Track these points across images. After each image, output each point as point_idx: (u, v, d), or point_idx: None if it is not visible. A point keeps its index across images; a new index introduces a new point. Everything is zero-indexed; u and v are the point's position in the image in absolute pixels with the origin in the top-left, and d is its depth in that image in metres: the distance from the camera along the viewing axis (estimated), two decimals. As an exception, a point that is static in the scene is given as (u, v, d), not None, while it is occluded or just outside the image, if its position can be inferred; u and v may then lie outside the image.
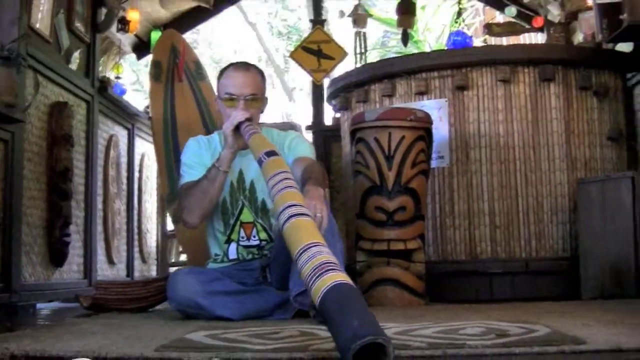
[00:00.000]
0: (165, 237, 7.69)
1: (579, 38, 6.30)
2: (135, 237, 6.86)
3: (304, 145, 3.93)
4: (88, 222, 5.55)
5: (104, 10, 6.15)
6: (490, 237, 4.89)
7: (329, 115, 8.03)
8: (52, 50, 5.06)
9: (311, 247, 2.23)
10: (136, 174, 7.00)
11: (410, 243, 4.31)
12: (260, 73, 3.98)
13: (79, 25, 5.55)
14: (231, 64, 4.03)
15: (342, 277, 2.08)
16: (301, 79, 19.39)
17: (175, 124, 6.15)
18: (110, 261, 6.09)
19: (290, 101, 20.15)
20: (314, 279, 2.09)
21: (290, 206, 2.54)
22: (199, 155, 3.91)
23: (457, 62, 5.09)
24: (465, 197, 4.95)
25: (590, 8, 5.61)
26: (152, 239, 7.36)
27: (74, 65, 5.43)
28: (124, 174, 6.65)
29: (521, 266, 4.81)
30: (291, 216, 2.48)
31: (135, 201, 6.91)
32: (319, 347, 2.19)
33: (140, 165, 7.13)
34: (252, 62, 4.19)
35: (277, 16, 21.01)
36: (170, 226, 7.39)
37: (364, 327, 1.84)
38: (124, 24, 6.67)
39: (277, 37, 21.07)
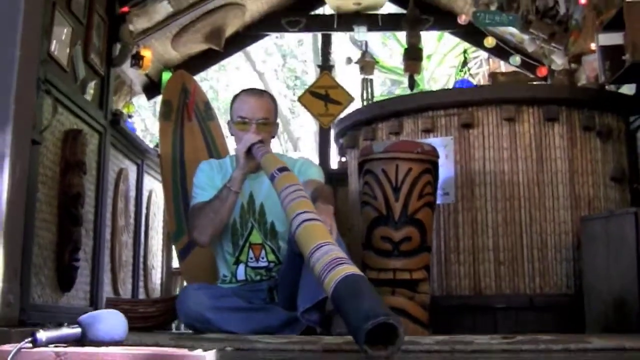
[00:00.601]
0: (170, 275, 7.75)
1: (582, 82, 6.40)
2: (141, 272, 6.91)
3: (314, 168, 4.05)
4: (96, 251, 5.63)
5: (118, 46, 6.29)
6: (495, 272, 4.92)
7: (334, 160, 8.14)
8: (69, 79, 5.18)
9: (323, 245, 2.32)
10: (144, 210, 7.08)
11: (415, 273, 4.35)
12: (273, 99, 4.11)
13: (94, 57, 5.69)
14: (244, 89, 4.17)
15: (353, 269, 2.15)
16: (307, 128, 19.55)
17: (184, 163, 6.25)
18: (116, 293, 6.15)
19: (295, 151, 20.29)
20: (326, 272, 2.17)
21: (302, 212, 2.63)
22: (210, 178, 4.02)
23: (463, 101, 5.16)
24: (470, 233, 4.99)
25: (593, 52, 5.70)
26: (157, 276, 7.42)
27: (88, 96, 5.56)
28: (132, 208, 6.73)
29: (525, 302, 4.83)
30: (304, 221, 2.57)
31: (142, 236, 6.98)
32: (329, 342, 2.26)
33: (148, 202, 7.21)
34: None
35: (285, 67, 21.25)
36: (175, 264, 7.44)
37: (376, 310, 1.91)
38: (137, 59, 6.80)
39: (284, 86, 21.29)
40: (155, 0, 6.85)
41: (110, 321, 1.94)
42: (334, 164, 8.24)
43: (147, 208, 7.20)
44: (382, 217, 4.41)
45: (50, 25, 4.78)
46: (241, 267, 3.96)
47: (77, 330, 1.90)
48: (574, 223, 4.93)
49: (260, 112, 3.95)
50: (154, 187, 7.36)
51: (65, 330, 1.88)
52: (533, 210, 4.96)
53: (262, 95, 4.09)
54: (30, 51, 2.39)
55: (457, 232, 5.02)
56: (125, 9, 6.39)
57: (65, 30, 5.06)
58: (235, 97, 4.11)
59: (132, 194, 6.78)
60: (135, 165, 6.92)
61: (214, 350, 1.75)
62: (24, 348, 1.74)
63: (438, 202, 4.84)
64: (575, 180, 5.03)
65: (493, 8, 7.24)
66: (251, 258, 3.95)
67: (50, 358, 1.69)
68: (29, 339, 1.78)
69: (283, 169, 3.21)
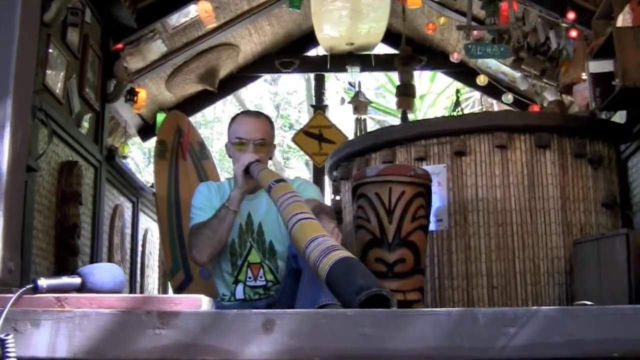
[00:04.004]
0: (166, 313, 7.73)
1: (574, 111, 6.47)
2: (137, 309, 6.90)
3: (312, 188, 4.12)
4: (93, 283, 5.64)
5: (113, 82, 6.37)
6: (488, 297, 4.93)
7: (328, 199, 8.16)
8: (64, 111, 5.24)
9: (318, 237, 2.36)
10: (139, 248, 7.10)
11: (409, 294, 4.35)
12: (270, 121, 4.17)
13: (89, 92, 5.76)
14: (242, 112, 4.25)
15: (347, 254, 2.19)
16: (300, 175, 19.64)
17: (179, 201, 6.28)
18: (112, 327, 6.13)
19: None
20: (321, 257, 2.21)
21: (298, 213, 2.68)
22: (209, 199, 4.05)
23: (455, 129, 5.20)
24: (464, 259, 5.01)
25: (584, 81, 5.77)
26: (153, 314, 7.40)
27: (83, 130, 5.61)
28: (127, 245, 6.75)
29: (518, 326, 4.83)
30: (299, 220, 2.62)
31: (138, 273, 6.99)
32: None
33: (144, 240, 7.23)
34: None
35: (279, 116, 21.38)
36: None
37: (368, 283, 1.94)
38: (132, 95, 6.86)
39: (277, 135, 21.39)
40: (149, 39, 6.94)
41: (109, 272, 1.99)
42: (327, 202, 8.26)
43: (143, 246, 7.22)
44: (376, 240, 4.42)
45: (45, 57, 4.85)
46: (240, 286, 3.98)
47: (76, 279, 1.95)
48: (566, 248, 4.95)
49: (257, 133, 4.00)
50: (150, 226, 7.39)
51: (66, 279, 1.93)
52: (525, 236, 4.98)
53: (259, 116, 4.15)
54: (25, 78, 2.43)
55: (451, 258, 5.04)
56: (119, 45, 6.49)
57: (60, 63, 5.12)
58: (233, 119, 4.17)
59: (128, 230, 6.81)
60: (131, 202, 6.95)
61: (209, 297, 1.78)
62: (26, 294, 1.78)
63: (432, 228, 4.86)
64: (567, 207, 5.05)
65: (485, 44, 7.31)
66: (249, 277, 3.97)
67: (51, 303, 1.74)
68: (30, 285, 1.82)
69: (279, 180, 3.27)
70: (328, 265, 2.14)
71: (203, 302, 1.67)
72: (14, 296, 1.75)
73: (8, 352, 1.64)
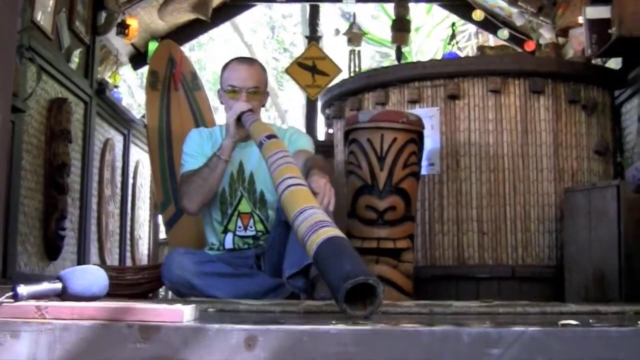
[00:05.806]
0: (157, 245, 7.76)
1: (569, 55, 6.41)
2: (128, 242, 6.93)
3: (304, 138, 4.08)
4: (83, 220, 5.65)
5: (104, 14, 6.27)
6: (478, 243, 4.94)
7: (321, 132, 8.14)
8: (54, 47, 5.17)
9: (307, 209, 2.34)
10: (130, 180, 7.09)
11: (399, 242, 4.36)
12: (263, 68, 4.12)
13: (79, 25, 5.67)
14: (235, 58, 4.17)
15: (336, 232, 2.18)
16: (294, 101, 19.56)
17: (170, 133, 6.22)
18: (103, 262, 6.17)
19: (283, 123, 20.29)
20: (309, 234, 2.19)
21: (288, 178, 2.66)
22: (200, 145, 4.02)
23: (449, 72, 5.16)
24: (455, 204, 5.00)
25: (581, 25, 5.70)
26: (144, 246, 7.43)
27: (73, 65, 5.54)
28: (118, 178, 6.74)
29: (507, 272, 4.85)
30: (289, 186, 2.60)
31: (128, 207, 7.00)
32: (310, 304, 2.28)
33: (135, 172, 7.21)
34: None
35: (273, 39, 21.22)
36: (163, 235, 7.46)
37: (355, 270, 1.93)
38: (123, 28, 6.77)
39: (272, 58, 21.27)
40: (141, -33, 6.83)
41: (90, 276, 1.97)
42: (321, 135, 8.24)
43: (134, 178, 7.21)
44: (367, 186, 4.41)
45: (34, -9, 4.76)
46: (229, 235, 3.97)
47: (57, 285, 1.93)
48: (557, 195, 4.95)
49: (250, 81, 3.95)
50: (141, 158, 7.37)
51: (46, 285, 1.91)
52: (517, 182, 4.97)
53: (253, 64, 4.10)
54: (10, 17, 2.36)
55: (442, 203, 5.03)
56: (111, -25, 6.38)
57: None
58: (226, 65, 4.11)
59: (119, 164, 6.79)
60: (122, 135, 6.92)
61: (192, 305, 1.77)
62: (5, 302, 1.76)
63: (423, 172, 4.84)
64: (560, 153, 5.04)
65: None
66: (239, 227, 3.96)
67: (31, 312, 1.72)
68: (10, 293, 1.80)
69: (271, 136, 3.23)
70: (316, 244, 2.12)
71: (185, 314, 1.66)
72: (-8, 306, 1.74)
73: (-13, 364, 1.63)
